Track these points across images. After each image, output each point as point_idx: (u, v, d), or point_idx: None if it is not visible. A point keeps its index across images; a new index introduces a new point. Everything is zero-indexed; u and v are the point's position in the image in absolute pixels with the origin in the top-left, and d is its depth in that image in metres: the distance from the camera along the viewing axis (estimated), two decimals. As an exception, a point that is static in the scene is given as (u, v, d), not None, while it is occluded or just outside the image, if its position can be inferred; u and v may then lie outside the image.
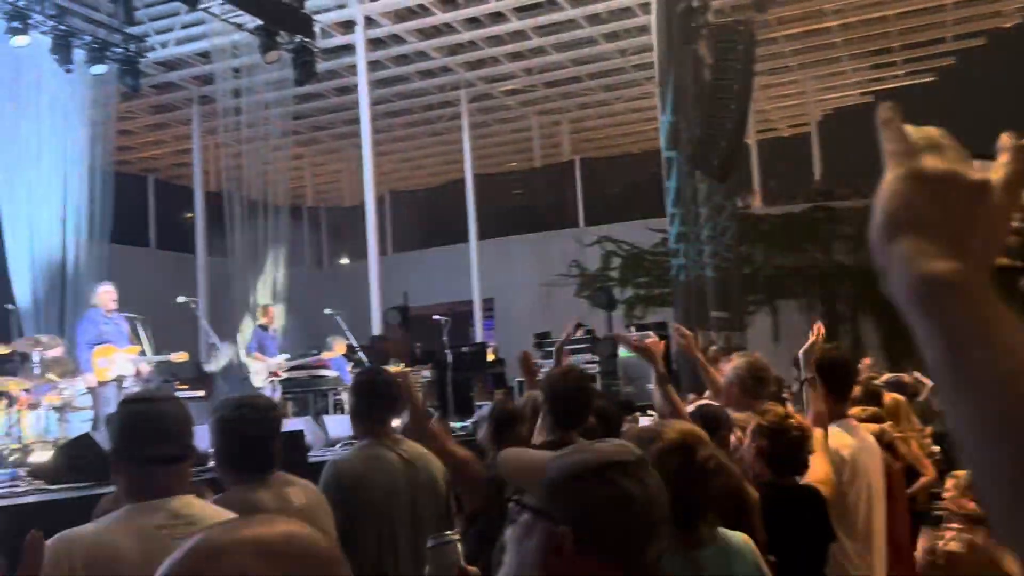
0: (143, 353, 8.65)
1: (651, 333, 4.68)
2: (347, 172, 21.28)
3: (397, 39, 14.91)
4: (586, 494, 1.28)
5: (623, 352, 12.62)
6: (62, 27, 10.69)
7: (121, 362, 8.37)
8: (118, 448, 2.19)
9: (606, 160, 20.35)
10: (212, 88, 14.78)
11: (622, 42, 15.60)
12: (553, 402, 3.26)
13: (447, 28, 14.77)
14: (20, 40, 10.15)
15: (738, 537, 2.09)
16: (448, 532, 1.96)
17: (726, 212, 11.36)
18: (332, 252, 21.49)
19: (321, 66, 13.13)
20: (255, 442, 2.68)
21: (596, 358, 12.31)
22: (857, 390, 4.05)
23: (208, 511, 2.16)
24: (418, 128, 19.72)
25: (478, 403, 11.64)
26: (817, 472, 2.96)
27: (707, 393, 4.41)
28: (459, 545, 1.89)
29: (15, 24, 10.03)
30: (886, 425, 4.53)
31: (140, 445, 2.15)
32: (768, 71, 16.86)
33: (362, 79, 13.71)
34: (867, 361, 7.96)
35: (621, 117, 19.92)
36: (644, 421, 5.26)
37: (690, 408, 3.52)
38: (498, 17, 14.48)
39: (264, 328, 10.90)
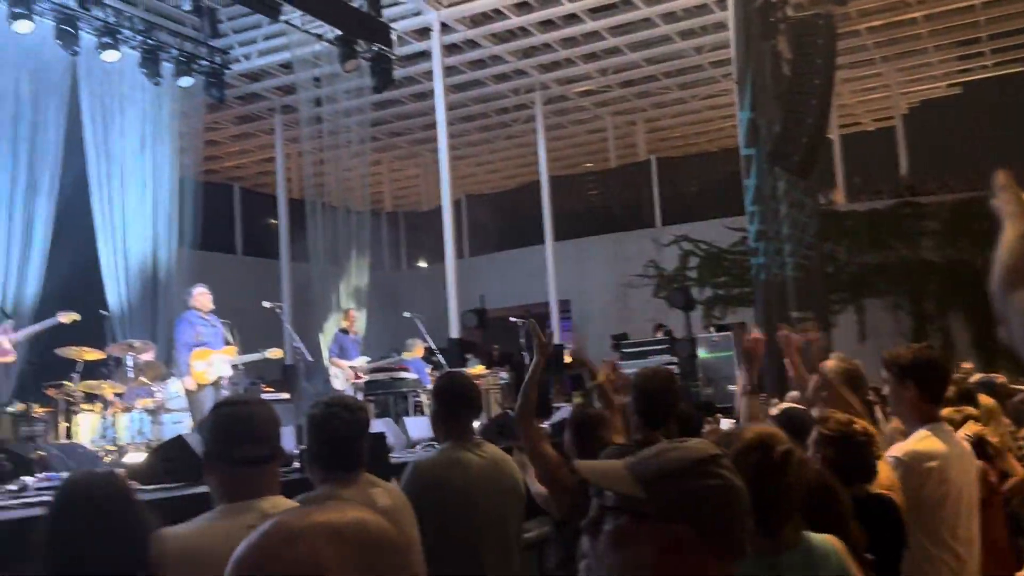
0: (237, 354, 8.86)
1: (756, 329, 4.53)
2: (424, 177, 21.52)
3: (472, 44, 15.01)
4: (696, 489, 1.28)
5: (703, 353, 12.49)
6: (150, 42, 11.06)
7: (219, 364, 8.55)
8: (210, 450, 2.26)
9: (683, 159, 20.13)
10: (294, 98, 15.12)
11: (698, 39, 15.42)
12: (641, 401, 3.24)
13: (521, 31, 14.81)
14: (111, 55, 10.55)
15: (823, 540, 2.02)
16: None
17: (807, 209, 11.10)
18: (410, 256, 21.75)
19: (398, 73, 13.30)
20: (343, 441, 2.72)
21: (675, 359, 12.20)
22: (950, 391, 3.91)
23: (296, 511, 2.20)
24: (493, 131, 19.82)
25: (556, 404, 11.65)
26: (881, 478, 2.85)
27: (790, 395, 4.33)
28: None
29: (106, 39, 10.42)
30: (983, 427, 4.38)
31: (231, 447, 2.21)
32: (850, 64, 16.44)
33: (438, 84, 13.85)
34: (966, 365, 7.70)
35: (698, 115, 19.67)
36: (725, 423, 5.19)
37: (774, 411, 3.46)
38: (572, 19, 14.46)
39: (345, 331, 11.10)
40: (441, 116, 13.78)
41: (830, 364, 3.65)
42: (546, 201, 17.60)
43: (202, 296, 8.77)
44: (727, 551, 1.30)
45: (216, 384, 8.48)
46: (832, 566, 1.99)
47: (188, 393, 8.55)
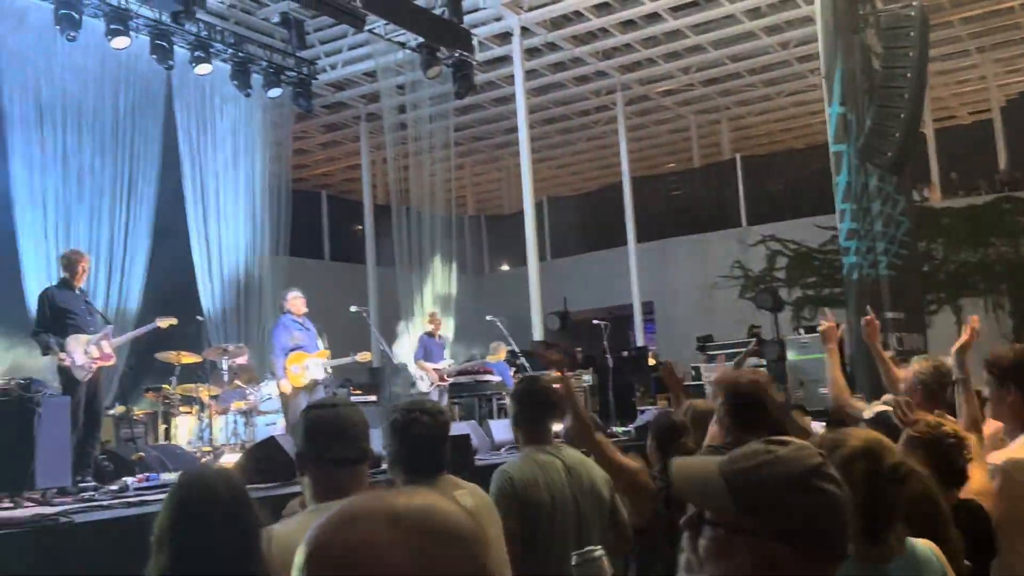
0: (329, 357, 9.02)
1: (827, 311, 4.44)
2: (506, 180, 21.62)
3: (553, 47, 15.03)
4: (796, 506, 1.25)
5: (792, 355, 12.22)
6: (240, 54, 11.39)
7: (313, 367, 8.73)
8: (302, 451, 2.32)
9: (768, 157, 19.74)
10: (378, 105, 15.38)
11: (783, 35, 15.12)
12: (734, 403, 3.18)
13: (602, 32, 14.76)
14: (203, 68, 10.90)
15: (925, 546, 1.98)
16: (593, 548, 1.95)
17: (901, 206, 10.75)
18: (493, 259, 21.87)
19: (479, 78, 13.40)
20: (425, 444, 2.76)
21: (763, 361, 11.97)
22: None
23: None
24: (575, 134, 19.80)
25: (640, 408, 11.56)
26: (974, 483, 2.73)
27: (886, 397, 4.19)
28: (605, 560, 1.88)
29: (198, 53, 10.77)
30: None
31: (322, 448, 2.26)
32: (944, 56, 15.89)
33: (519, 88, 13.90)
34: None
35: (783, 112, 19.29)
36: (815, 426, 5.07)
37: (867, 414, 3.36)
38: (653, 18, 14.34)
39: (430, 335, 11.22)
40: (522, 119, 13.84)
41: (916, 365, 3.53)
42: (628, 202, 17.47)
43: (296, 300, 8.97)
44: (828, 559, 1.28)
45: (310, 387, 8.63)
46: (935, 572, 1.95)
47: (283, 397, 8.73)
